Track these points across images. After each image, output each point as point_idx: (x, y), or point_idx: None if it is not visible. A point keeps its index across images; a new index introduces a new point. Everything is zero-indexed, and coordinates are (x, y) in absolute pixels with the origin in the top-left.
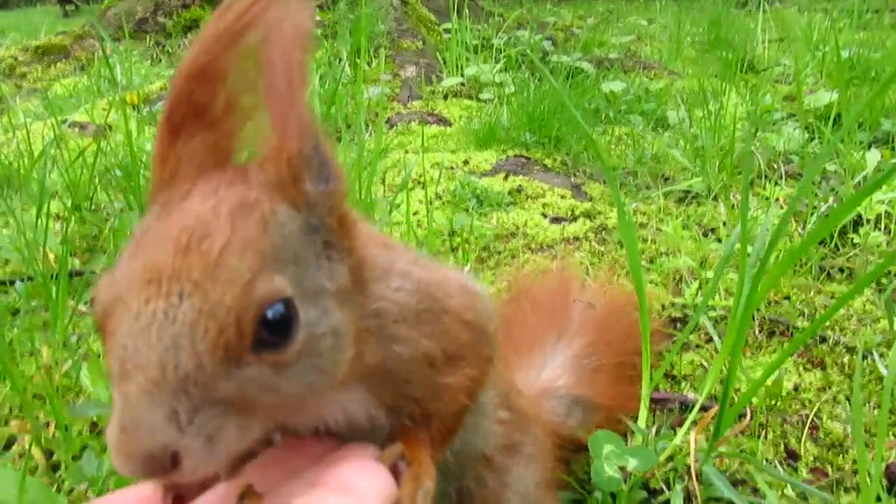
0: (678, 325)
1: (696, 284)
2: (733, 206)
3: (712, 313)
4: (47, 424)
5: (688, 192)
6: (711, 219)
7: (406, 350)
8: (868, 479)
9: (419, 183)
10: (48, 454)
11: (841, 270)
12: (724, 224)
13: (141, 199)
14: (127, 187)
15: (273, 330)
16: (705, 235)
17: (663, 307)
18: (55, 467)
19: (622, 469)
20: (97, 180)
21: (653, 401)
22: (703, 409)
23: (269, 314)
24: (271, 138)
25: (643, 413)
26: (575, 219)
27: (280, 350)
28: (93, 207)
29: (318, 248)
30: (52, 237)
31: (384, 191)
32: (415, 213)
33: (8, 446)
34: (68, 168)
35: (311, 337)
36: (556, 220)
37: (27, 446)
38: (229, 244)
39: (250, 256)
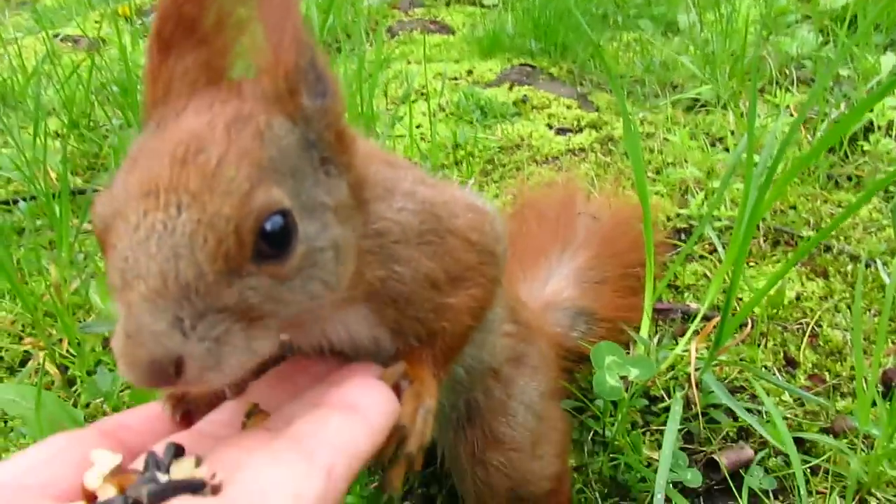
0: (683, 236)
1: (701, 195)
2: (742, 114)
3: (717, 223)
4: (60, 341)
5: (696, 100)
6: (720, 128)
7: (407, 271)
8: (864, 385)
9: (422, 95)
10: (63, 370)
11: (849, 179)
12: (733, 133)
13: (139, 115)
14: (124, 103)
15: (272, 241)
16: (713, 145)
17: (668, 218)
18: (71, 382)
19: (623, 379)
20: (94, 97)
21: (655, 311)
22: (706, 318)
23: (268, 226)
24: (266, 51)
25: (646, 323)
26: (581, 129)
27: (280, 261)
28: (91, 125)
29: (316, 162)
30: (52, 156)
31: (386, 103)
32: (418, 127)
33: (23, 363)
34: (63, 85)
35: (310, 250)
36: (561, 131)
37: (41, 362)
38: (226, 156)
39: (247, 167)
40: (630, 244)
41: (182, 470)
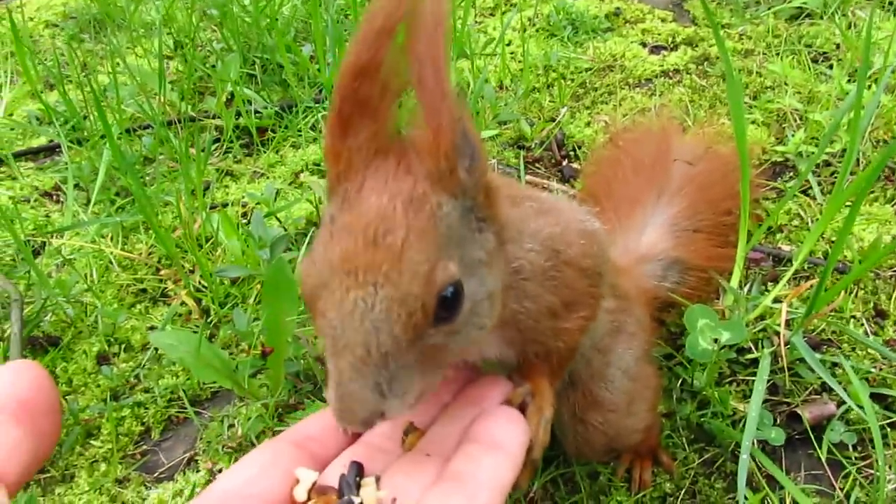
0: (779, 171)
1: (801, 134)
2: (850, 24)
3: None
4: (192, 271)
5: (801, 9)
6: (825, 41)
7: (533, 305)
8: None
9: (512, 5)
10: (198, 301)
11: None
12: (838, 47)
13: (238, 39)
14: (223, 27)
15: (447, 307)
16: (816, 62)
17: (764, 150)
18: (206, 311)
19: (715, 341)
20: (195, 20)
21: (748, 260)
22: (798, 273)
23: (446, 296)
24: (426, 130)
25: (737, 274)
26: (676, 47)
27: (451, 321)
28: (193, 49)
29: (473, 224)
30: (156, 77)
31: (475, 15)
32: (508, 44)
33: (164, 294)
34: (169, 6)
35: (473, 304)
36: (655, 49)
37: (183, 303)
38: (408, 238)
39: (427, 248)
40: (725, 191)
41: (368, 492)
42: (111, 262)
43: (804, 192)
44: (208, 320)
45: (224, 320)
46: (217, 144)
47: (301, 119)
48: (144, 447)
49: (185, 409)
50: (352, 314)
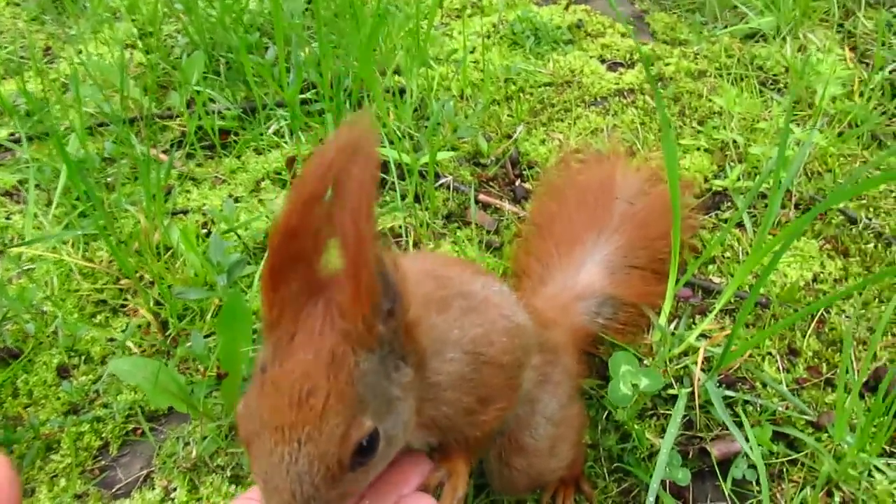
0: (718, 200)
1: (738, 168)
2: (801, 47)
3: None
4: (152, 283)
5: (756, 29)
6: (775, 63)
7: (451, 409)
8: (846, 390)
9: (479, 9)
10: (156, 315)
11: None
12: (787, 71)
13: (203, 36)
14: (188, 20)
15: (364, 454)
16: (764, 85)
17: (706, 179)
18: (164, 325)
19: (634, 386)
20: (160, 9)
21: (677, 297)
22: (724, 310)
23: (361, 447)
24: (347, 292)
25: (665, 311)
26: (632, 64)
27: (367, 462)
28: (157, 41)
29: (391, 366)
30: (118, 71)
31: (441, 16)
32: (472, 51)
33: (124, 304)
34: None
35: (388, 439)
36: (613, 66)
37: (142, 324)
38: (328, 401)
39: (344, 410)
40: (662, 229)
41: None
42: (72, 271)
43: (739, 225)
44: (167, 333)
45: (182, 333)
46: (179, 148)
47: (263, 125)
48: (103, 462)
49: (142, 426)
50: (279, 465)
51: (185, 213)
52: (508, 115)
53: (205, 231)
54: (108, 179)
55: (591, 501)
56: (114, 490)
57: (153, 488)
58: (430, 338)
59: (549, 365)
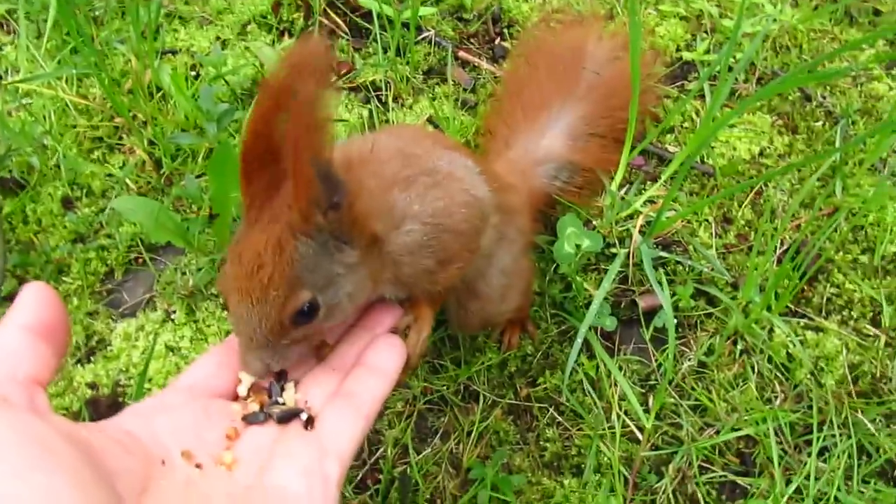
0: (687, 70)
1: (705, 43)
2: None
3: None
4: (145, 123)
5: None
6: None
7: (411, 270)
8: (758, 258)
9: None
10: (149, 154)
11: (875, 13)
12: None
13: None
14: None
15: (304, 315)
16: None
17: (678, 48)
18: (158, 163)
19: (577, 246)
20: None
21: (630, 165)
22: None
23: (300, 312)
24: (293, 189)
25: (619, 176)
26: None
27: (310, 322)
28: None
29: (332, 249)
30: None
31: None
32: None
33: (120, 140)
34: None
35: (329, 307)
36: None
37: (138, 162)
38: (273, 276)
39: (284, 283)
40: (626, 102)
41: (289, 395)
42: (67, 106)
43: (702, 96)
44: (161, 172)
45: (175, 173)
46: None
47: None
48: (109, 286)
49: (143, 255)
50: (242, 316)
51: (173, 53)
52: None
53: (193, 73)
54: (96, 14)
55: (534, 339)
56: (120, 310)
57: (155, 310)
58: (390, 215)
59: (505, 224)
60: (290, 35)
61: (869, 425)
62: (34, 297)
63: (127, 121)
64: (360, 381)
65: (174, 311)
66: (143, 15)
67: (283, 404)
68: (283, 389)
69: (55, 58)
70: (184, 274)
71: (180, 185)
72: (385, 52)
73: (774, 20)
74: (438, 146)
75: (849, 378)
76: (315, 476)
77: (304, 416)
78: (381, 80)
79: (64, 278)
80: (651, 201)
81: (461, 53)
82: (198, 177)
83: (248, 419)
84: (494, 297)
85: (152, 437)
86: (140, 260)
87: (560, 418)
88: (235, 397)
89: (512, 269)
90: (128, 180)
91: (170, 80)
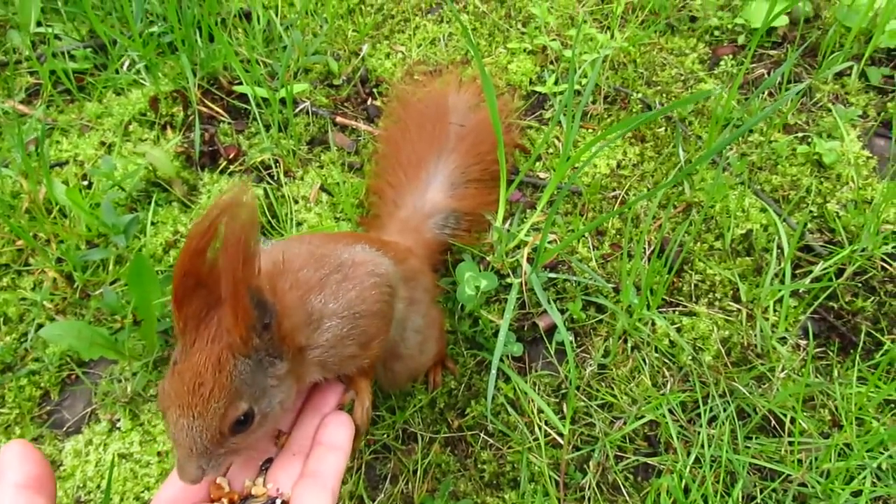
0: (542, 100)
1: (553, 76)
2: None
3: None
4: (48, 241)
5: None
6: None
7: (336, 359)
8: (628, 264)
9: None
10: (59, 271)
11: (692, 20)
12: None
13: None
14: None
15: (241, 424)
16: None
17: (531, 81)
18: (69, 277)
19: (477, 287)
20: None
21: (509, 202)
22: (549, 202)
23: (238, 421)
24: (230, 314)
25: (500, 215)
26: None
27: (246, 431)
28: None
29: (265, 366)
30: None
31: None
32: None
33: (27, 262)
34: None
35: (263, 415)
36: None
37: (50, 284)
38: (213, 391)
39: (223, 397)
40: (492, 146)
41: (259, 486)
42: None
43: (559, 123)
44: (74, 286)
45: (89, 283)
46: (37, 97)
47: (117, 62)
48: (48, 408)
49: (76, 371)
50: (182, 430)
51: (61, 165)
52: (354, 31)
53: (85, 183)
54: None
55: (455, 374)
56: (65, 429)
57: (99, 422)
58: (311, 320)
59: (412, 290)
60: (173, 128)
61: (744, 390)
62: (18, 456)
63: (29, 242)
64: (321, 459)
65: (118, 420)
66: (26, 130)
67: (257, 497)
68: (254, 483)
69: None
70: (120, 382)
71: (98, 295)
72: (267, 129)
73: (609, 47)
74: (341, 242)
75: (722, 352)
76: None
77: (279, 503)
78: (269, 159)
79: (1, 410)
80: (535, 228)
81: (339, 119)
82: (112, 283)
83: None
84: (415, 354)
85: None
86: (74, 376)
87: (491, 440)
88: (211, 501)
89: (424, 325)
90: (45, 303)
91: (65, 195)
